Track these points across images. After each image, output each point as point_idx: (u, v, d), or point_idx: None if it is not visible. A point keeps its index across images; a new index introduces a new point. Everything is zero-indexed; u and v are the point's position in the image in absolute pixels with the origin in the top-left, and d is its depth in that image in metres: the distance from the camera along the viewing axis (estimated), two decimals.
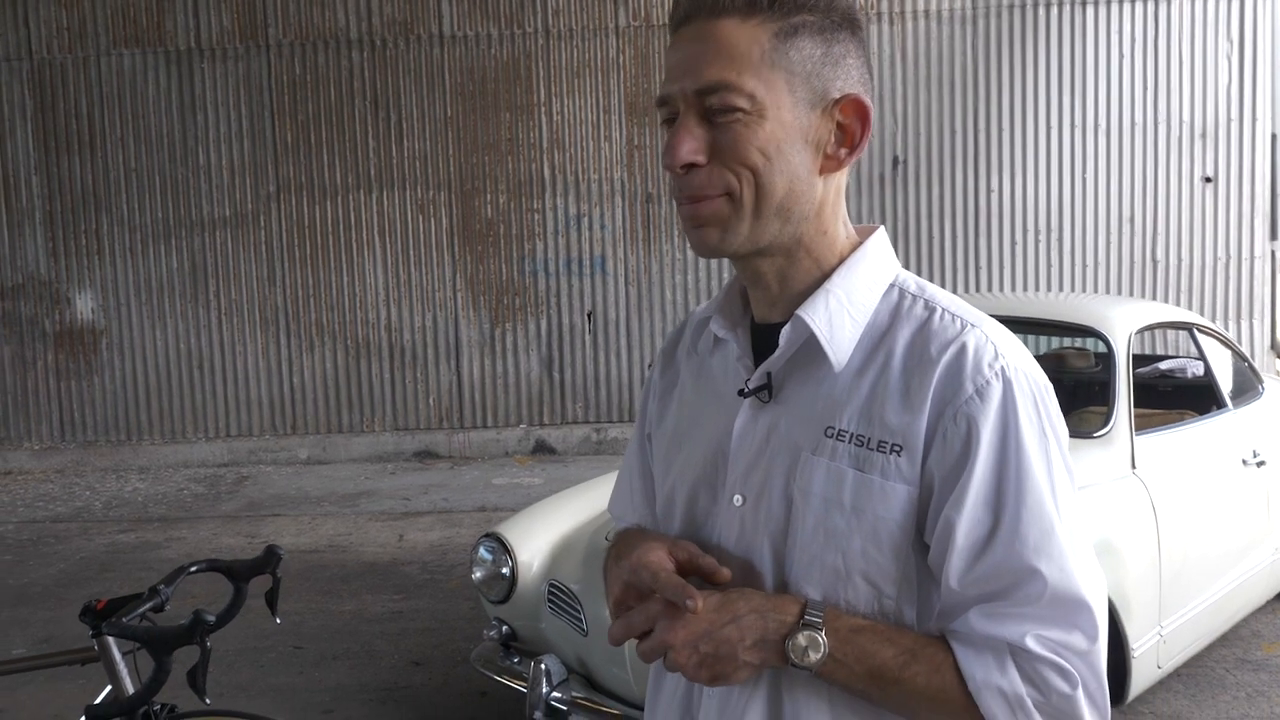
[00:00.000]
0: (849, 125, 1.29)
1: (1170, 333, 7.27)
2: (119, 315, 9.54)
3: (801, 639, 1.23)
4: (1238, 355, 5.38)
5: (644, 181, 9.30)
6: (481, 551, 4.12)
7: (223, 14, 9.32)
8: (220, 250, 9.47)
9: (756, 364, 1.36)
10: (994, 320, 1.31)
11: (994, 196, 9.19)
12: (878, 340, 1.30)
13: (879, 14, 9.10)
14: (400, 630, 5.48)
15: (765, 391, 1.33)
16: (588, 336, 9.44)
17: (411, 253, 9.42)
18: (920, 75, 9.11)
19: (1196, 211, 9.18)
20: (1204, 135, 9.12)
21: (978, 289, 9.09)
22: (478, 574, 4.12)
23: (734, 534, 1.34)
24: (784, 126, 1.25)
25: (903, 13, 9.10)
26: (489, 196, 9.36)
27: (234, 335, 9.51)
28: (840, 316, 1.30)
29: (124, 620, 2.47)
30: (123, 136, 9.42)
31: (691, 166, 1.26)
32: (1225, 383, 5.07)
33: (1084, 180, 9.19)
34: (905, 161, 9.18)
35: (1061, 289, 9.18)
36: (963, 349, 1.25)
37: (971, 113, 9.12)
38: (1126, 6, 9.07)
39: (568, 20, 9.23)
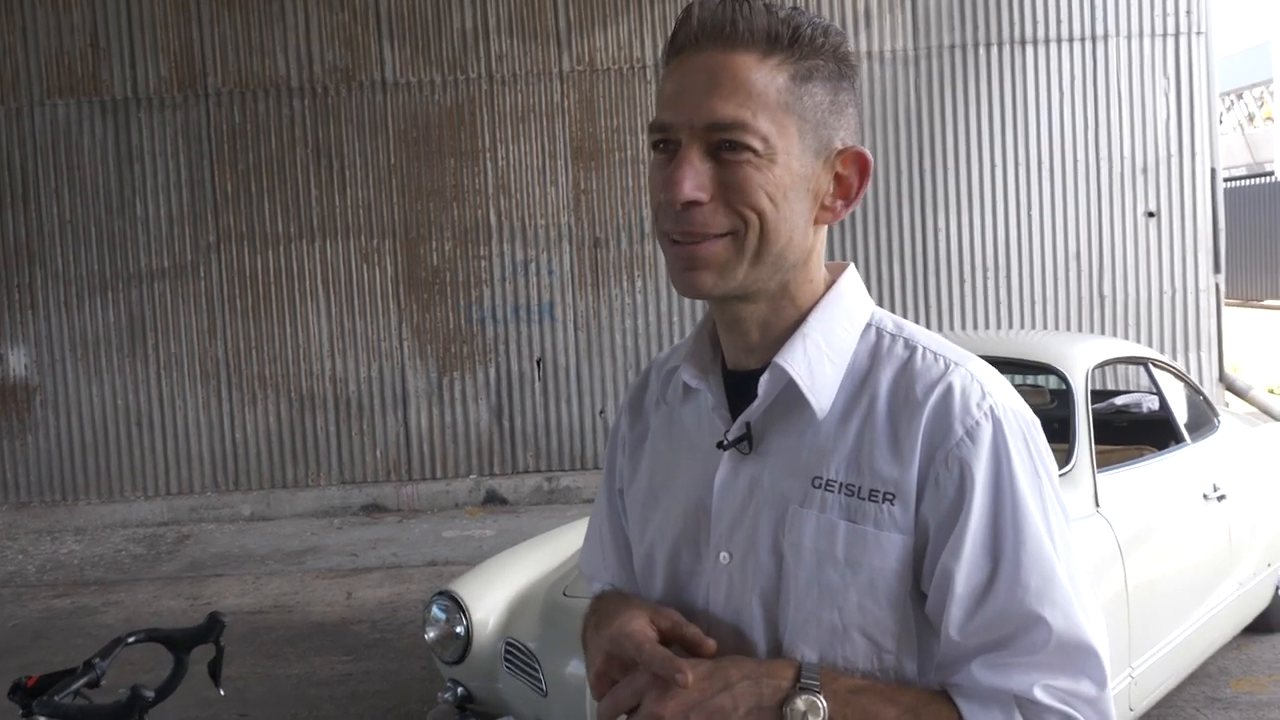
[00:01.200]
0: (847, 177, 1.26)
1: (1122, 367, 7.30)
2: (53, 371, 9.29)
3: (800, 704, 1.17)
4: (1193, 389, 5.40)
5: (591, 226, 9.24)
6: (434, 610, 4.00)
7: (160, 63, 9.18)
8: (159, 302, 9.27)
9: (733, 413, 1.31)
10: (976, 357, 1.27)
11: (941, 235, 9.24)
12: (859, 383, 1.26)
13: None
14: (350, 693, 5.31)
15: (745, 442, 1.28)
16: (537, 384, 9.33)
17: (356, 302, 9.28)
18: (865, 116, 9.13)
19: (1141, 246, 9.28)
20: (1145, 171, 9.24)
21: (929, 328, 9.10)
22: (431, 634, 3.99)
23: (722, 593, 1.28)
24: (791, 173, 1.21)
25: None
26: (434, 244, 9.25)
27: (174, 389, 9.29)
28: (820, 361, 1.26)
29: (56, 699, 2.33)
30: (57, 188, 9.22)
31: (694, 204, 1.19)
32: (1182, 417, 5.07)
33: (1029, 218, 9.26)
34: None
35: (1012, 326, 9.22)
36: (949, 389, 1.21)
37: (916, 153, 9.18)
38: (1065, 46, 9.20)
39: (511, 65, 9.19)
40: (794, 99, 1.20)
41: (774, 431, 1.28)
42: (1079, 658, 1.17)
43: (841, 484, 1.22)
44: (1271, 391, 11.42)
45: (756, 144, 1.18)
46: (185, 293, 9.27)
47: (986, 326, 9.19)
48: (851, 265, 1.35)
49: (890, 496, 1.20)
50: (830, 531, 1.22)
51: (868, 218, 9.18)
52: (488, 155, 9.22)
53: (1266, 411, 9.35)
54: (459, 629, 3.91)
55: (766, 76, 1.20)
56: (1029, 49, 9.19)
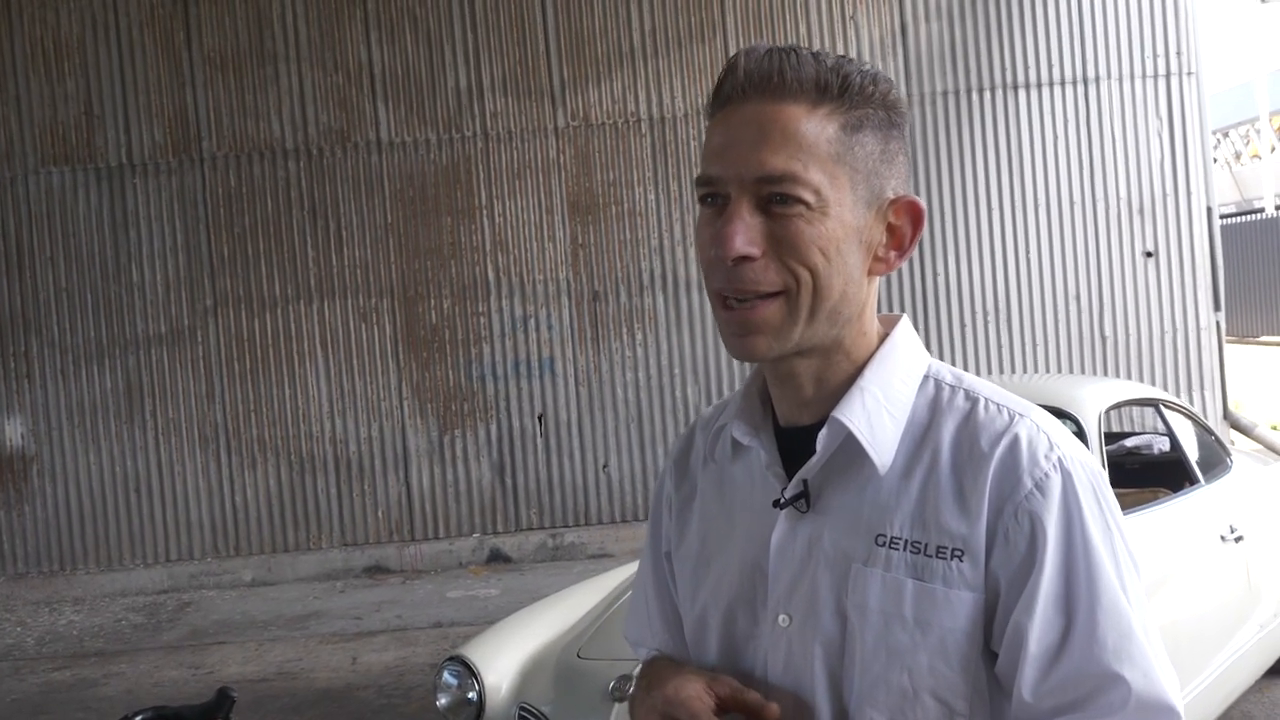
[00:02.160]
0: (900, 227, 1.24)
1: (1131, 409, 7.25)
2: (50, 440, 9.22)
3: None
4: (1204, 429, 5.35)
5: (590, 280, 9.22)
6: (445, 676, 3.92)
7: (155, 129, 9.20)
8: (156, 368, 9.22)
9: (787, 470, 1.28)
10: (1038, 408, 1.24)
11: (940, 280, 9.23)
12: (920, 437, 1.23)
13: None
14: None
15: (803, 500, 1.24)
16: (539, 440, 9.27)
17: (355, 362, 9.24)
18: None
19: (1140, 286, 9.27)
20: (1142, 211, 9.25)
21: None
22: (442, 700, 3.91)
23: (781, 658, 1.24)
24: (844, 226, 1.18)
25: None
26: (433, 302, 9.23)
27: (172, 455, 9.22)
28: (879, 415, 1.22)
29: None
30: (52, 255, 9.20)
31: (745, 259, 1.16)
32: (1195, 457, 5.02)
33: (1028, 260, 9.26)
34: None
35: (1014, 368, 9.19)
36: (1015, 441, 1.18)
37: None
38: (1058, 90, 9.24)
39: (506, 123, 9.21)
40: (845, 149, 1.18)
41: (832, 488, 1.24)
42: (1158, 718, 1.14)
43: (907, 541, 1.19)
44: (1275, 428, 11.38)
45: (808, 196, 1.16)
46: (183, 358, 9.22)
47: (989, 370, 9.15)
48: (905, 317, 1.32)
49: (959, 553, 1.17)
50: (897, 591, 1.18)
51: None
52: (484, 212, 9.22)
53: (1272, 449, 9.30)
54: (471, 694, 3.83)
55: (817, 127, 1.17)
56: (1021, 93, 9.23)
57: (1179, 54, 9.23)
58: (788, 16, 9.19)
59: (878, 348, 1.27)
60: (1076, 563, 1.15)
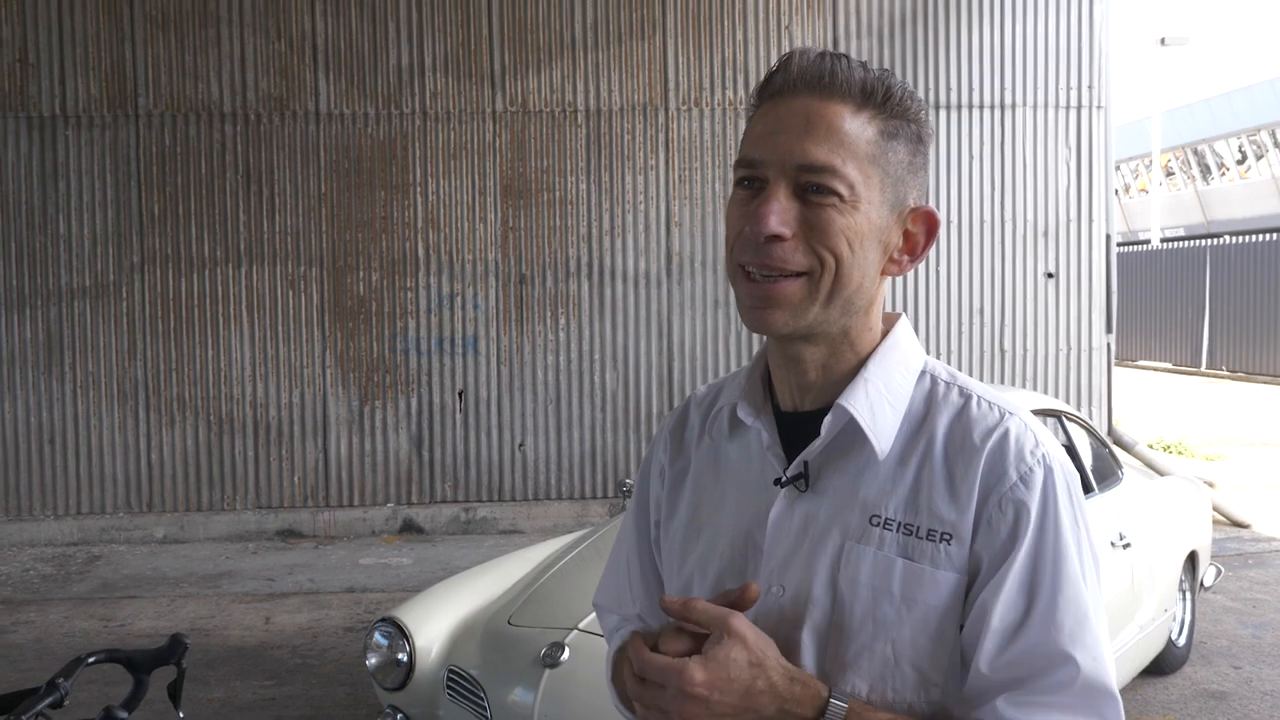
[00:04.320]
0: (915, 234, 1.30)
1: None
2: None
3: None
4: (1099, 442, 5.55)
5: (518, 263, 9.21)
6: (377, 636, 3.92)
7: (91, 82, 8.95)
8: (78, 321, 8.99)
9: (785, 452, 1.33)
10: (1025, 408, 1.31)
11: None
12: (916, 428, 1.29)
13: (747, 109, 9.26)
14: (274, 718, 5.17)
15: (802, 480, 1.30)
16: (458, 415, 9.24)
17: (280, 328, 9.11)
18: None
19: (1040, 305, 9.55)
20: (1046, 234, 9.53)
21: None
22: (372, 660, 3.91)
23: (771, 624, 1.27)
24: (869, 223, 1.24)
25: None
26: (361, 274, 9.14)
27: (89, 409, 9.00)
28: (881, 405, 1.28)
29: (21, 718, 2.22)
30: None
31: (776, 239, 1.21)
32: (1090, 468, 5.21)
33: (936, 274, 9.48)
34: None
35: None
36: (1005, 435, 1.25)
37: None
38: (975, 113, 9.47)
39: (445, 103, 9.15)
40: (880, 153, 1.24)
41: (831, 471, 1.29)
42: (1100, 701, 1.19)
43: (900, 523, 1.24)
44: (1152, 446, 11.80)
45: (843, 189, 1.21)
46: (106, 312, 9.00)
47: None
48: (904, 316, 1.38)
49: (948, 536, 1.22)
50: (888, 568, 1.23)
51: None
52: (418, 189, 9.15)
53: (1150, 465, 9.66)
54: (401, 655, 3.84)
55: (859, 127, 1.23)
56: (942, 113, 9.43)
57: (1090, 88, 9.52)
58: (725, 22, 9.27)
59: (880, 342, 1.33)
60: (1046, 551, 1.21)
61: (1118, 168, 37.57)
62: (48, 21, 8.92)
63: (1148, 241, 29.14)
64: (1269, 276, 20.26)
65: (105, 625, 6.67)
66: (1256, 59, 69.13)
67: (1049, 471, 1.23)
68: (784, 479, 1.30)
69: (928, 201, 1.32)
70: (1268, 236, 21.20)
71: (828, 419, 1.28)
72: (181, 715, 2.67)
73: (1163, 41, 28.63)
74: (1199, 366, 22.19)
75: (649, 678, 1.18)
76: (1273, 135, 31.46)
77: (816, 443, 1.29)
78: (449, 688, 3.72)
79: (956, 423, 1.27)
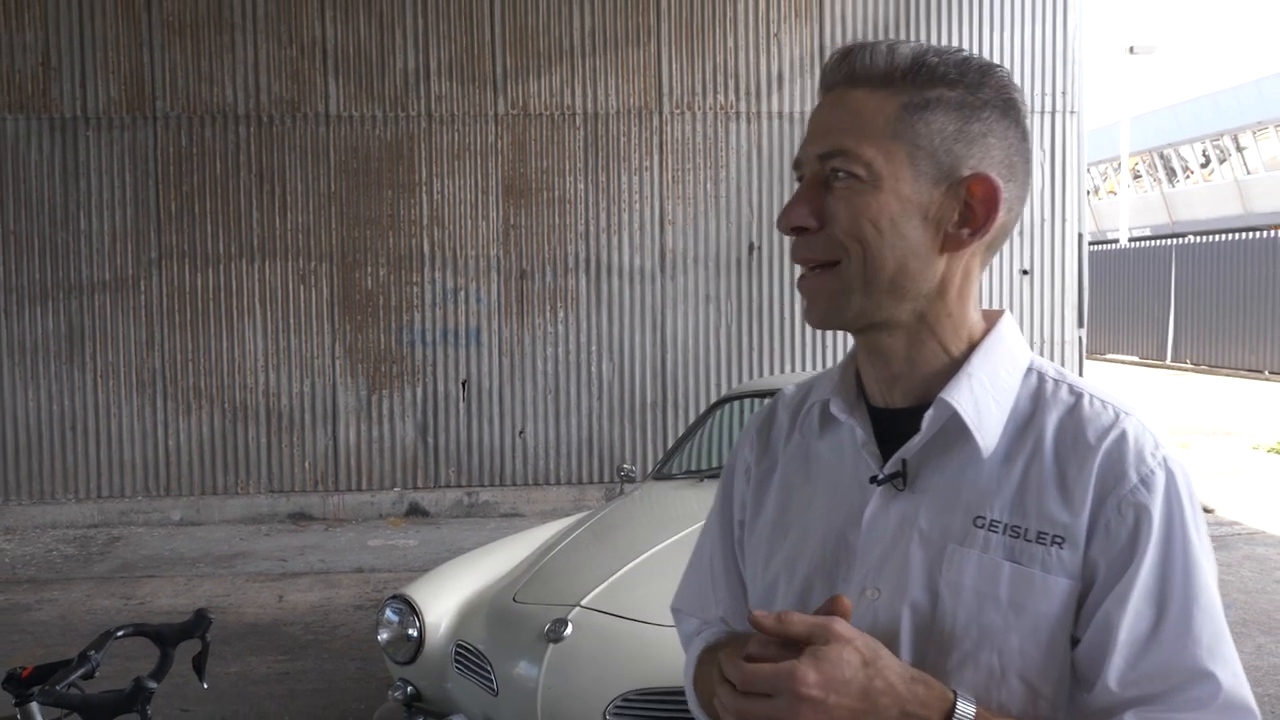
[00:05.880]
0: (975, 205, 1.15)
1: None
2: None
3: None
4: None
5: (519, 259, 9.22)
6: (388, 613, 3.93)
7: (110, 85, 8.93)
8: (98, 313, 8.97)
9: (881, 448, 1.22)
10: (1140, 408, 1.19)
11: None
12: (1023, 426, 1.17)
13: (737, 114, 9.29)
14: (289, 691, 5.18)
15: (900, 479, 1.18)
16: (462, 404, 9.25)
17: (291, 321, 9.10)
18: (774, 170, 9.32)
19: (1016, 300, 9.58)
20: (1021, 233, 9.55)
21: (826, 366, 9.26)
22: (383, 635, 3.92)
23: (865, 629, 1.12)
24: (900, 199, 1.14)
25: (758, 114, 9.31)
26: (370, 269, 9.14)
27: (109, 397, 8.99)
28: (986, 401, 1.16)
29: (56, 688, 2.24)
30: (1, 198, 8.89)
31: (801, 230, 1.16)
32: None
33: None
34: (760, 247, 9.34)
35: None
36: (1123, 436, 1.13)
37: None
38: None
39: (449, 106, 9.14)
40: (904, 126, 1.14)
41: (930, 469, 1.18)
42: (1241, 718, 1.09)
43: (1006, 525, 1.13)
44: None
45: (859, 170, 1.14)
46: (125, 305, 8.99)
47: None
48: (1008, 312, 1.26)
49: (1059, 540, 1.11)
50: (994, 572, 1.12)
51: (773, 261, 9.31)
52: (424, 188, 9.15)
53: None
54: (411, 631, 3.85)
55: (875, 106, 1.15)
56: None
57: (1064, 94, 9.54)
58: (716, 30, 9.27)
59: (983, 338, 1.21)
60: (1174, 559, 1.10)
61: (1088, 170, 37.66)
62: (69, 27, 8.90)
63: (1116, 241, 29.21)
64: (1230, 274, 20.34)
65: (126, 603, 6.68)
66: (1221, 67, 69.32)
67: (1170, 475, 1.12)
68: (880, 477, 1.19)
69: (1017, 176, 1.18)
70: (1229, 236, 21.30)
71: (929, 414, 1.17)
72: (206, 685, 2.69)
73: (1132, 50, 28.69)
74: (1164, 359, 22.27)
75: (757, 689, 1.05)
76: (1235, 140, 31.54)
77: (916, 438, 1.17)
78: (457, 661, 3.73)
79: (1068, 421, 1.15)
